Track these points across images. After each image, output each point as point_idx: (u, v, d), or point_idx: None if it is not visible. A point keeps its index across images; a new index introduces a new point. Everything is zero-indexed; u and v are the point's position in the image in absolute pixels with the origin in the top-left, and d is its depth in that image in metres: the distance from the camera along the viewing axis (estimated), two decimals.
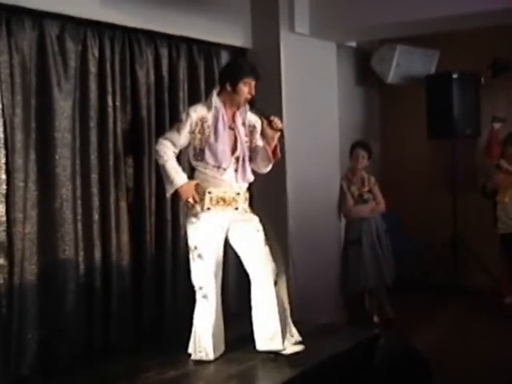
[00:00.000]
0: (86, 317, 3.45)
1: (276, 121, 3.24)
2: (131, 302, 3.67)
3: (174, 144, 3.25)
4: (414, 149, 5.92)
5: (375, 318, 4.90)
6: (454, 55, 5.62)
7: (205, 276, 3.27)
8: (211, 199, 3.24)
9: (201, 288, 3.28)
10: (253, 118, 3.37)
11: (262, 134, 3.32)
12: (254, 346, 3.34)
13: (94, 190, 3.48)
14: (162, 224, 3.81)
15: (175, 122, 3.42)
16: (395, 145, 6.03)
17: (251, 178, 3.37)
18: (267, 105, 3.46)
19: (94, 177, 3.48)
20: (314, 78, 4.58)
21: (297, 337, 3.38)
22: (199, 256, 3.26)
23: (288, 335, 3.34)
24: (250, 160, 3.37)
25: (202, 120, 3.24)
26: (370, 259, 4.82)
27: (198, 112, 3.26)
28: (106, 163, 3.53)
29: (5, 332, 3.12)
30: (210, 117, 3.25)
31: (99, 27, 3.46)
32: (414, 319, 4.85)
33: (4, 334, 3.12)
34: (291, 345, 3.34)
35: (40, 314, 3.25)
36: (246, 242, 3.33)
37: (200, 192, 3.25)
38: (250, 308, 3.36)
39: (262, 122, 3.30)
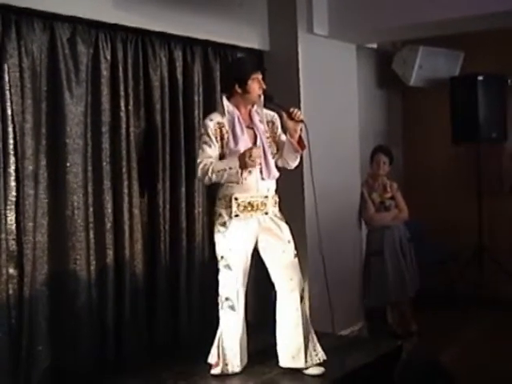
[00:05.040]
0: (98, 328, 3.37)
1: (296, 112, 3.18)
2: (145, 312, 3.59)
3: (210, 157, 3.11)
4: (437, 153, 5.75)
5: (398, 331, 4.72)
6: (479, 56, 5.45)
7: (232, 287, 3.18)
8: (238, 205, 3.14)
9: (227, 299, 3.18)
10: (269, 114, 3.32)
11: (284, 127, 3.24)
12: (274, 357, 3.26)
13: (107, 197, 3.41)
14: (176, 232, 3.73)
15: (199, 141, 3.26)
16: (418, 149, 5.88)
17: (277, 173, 3.28)
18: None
19: (107, 184, 3.41)
20: (334, 81, 4.47)
21: (321, 355, 3.25)
22: (226, 266, 3.17)
23: (312, 352, 3.23)
24: (278, 156, 3.30)
25: (220, 125, 3.17)
26: (393, 271, 4.66)
27: (213, 119, 3.18)
28: (119, 169, 3.46)
29: (14, 344, 3.04)
30: (225, 122, 3.18)
31: (111, 29, 3.38)
32: (438, 332, 4.67)
33: (13, 346, 3.04)
34: (314, 365, 3.23)
35: (50, 326, 3.17)
36: (276, 254, 3.23)
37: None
38: (273, 320, 3.26)
39: (281, 116, 3.23)
